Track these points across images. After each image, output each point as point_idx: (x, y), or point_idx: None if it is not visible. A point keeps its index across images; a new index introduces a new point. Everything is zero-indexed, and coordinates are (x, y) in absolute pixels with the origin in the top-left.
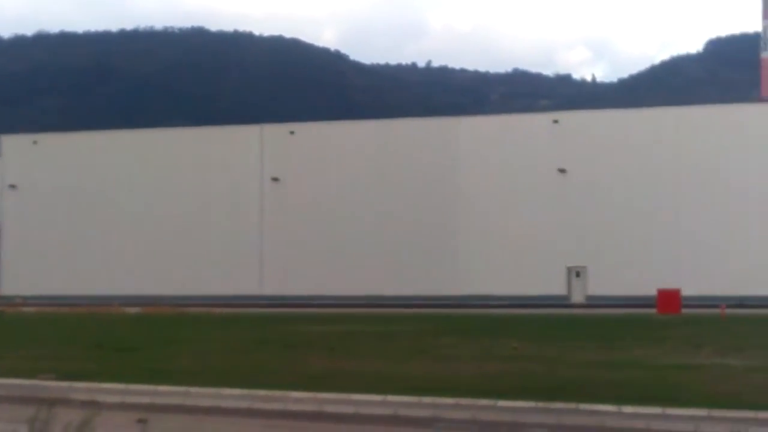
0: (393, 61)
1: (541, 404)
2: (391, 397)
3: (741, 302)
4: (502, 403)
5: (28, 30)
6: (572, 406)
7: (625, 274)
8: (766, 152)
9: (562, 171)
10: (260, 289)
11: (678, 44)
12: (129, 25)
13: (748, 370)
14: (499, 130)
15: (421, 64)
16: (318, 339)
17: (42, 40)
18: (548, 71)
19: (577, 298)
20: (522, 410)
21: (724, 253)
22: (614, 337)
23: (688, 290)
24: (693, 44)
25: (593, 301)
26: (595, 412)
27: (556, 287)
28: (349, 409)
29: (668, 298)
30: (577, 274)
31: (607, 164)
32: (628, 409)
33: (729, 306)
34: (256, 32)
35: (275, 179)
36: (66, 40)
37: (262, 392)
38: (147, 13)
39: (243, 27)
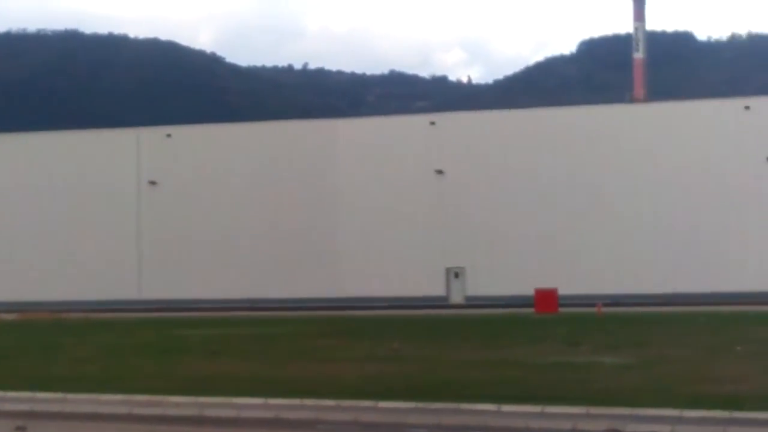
0: (270, 64)
1: (422, 405)
2: (272, 400)
3: (617, 301)
4: (383, 404)
5: None
6: (453, 406)
7: (503, 275)
8: (639, 152)
9: (439, 172)
10: (139, 294)
11: (552, 45)
12: (0, 28)
13: (623, 367)
14: (375, 132)
15: (298, 66)
16: (198, 343)
17: None
18: (425, 73)
19: (456, 298)
20: (403, 411)
21: (599, 252)
22: (493, 337)
23: (564, 289)
24: (566, 45)
25: (472, 302)
26: (475, 411)
27: (435, 288)
28: (230, 413)
29: (545, 298)
30: (456, 275)
31: (483, 165)
32: (508, 407)
33: (605, 304)
34: (132, 35)
35: (152, 183)
36: None
37: (141, 397)
38: (19, 16)
39: (118, 30)
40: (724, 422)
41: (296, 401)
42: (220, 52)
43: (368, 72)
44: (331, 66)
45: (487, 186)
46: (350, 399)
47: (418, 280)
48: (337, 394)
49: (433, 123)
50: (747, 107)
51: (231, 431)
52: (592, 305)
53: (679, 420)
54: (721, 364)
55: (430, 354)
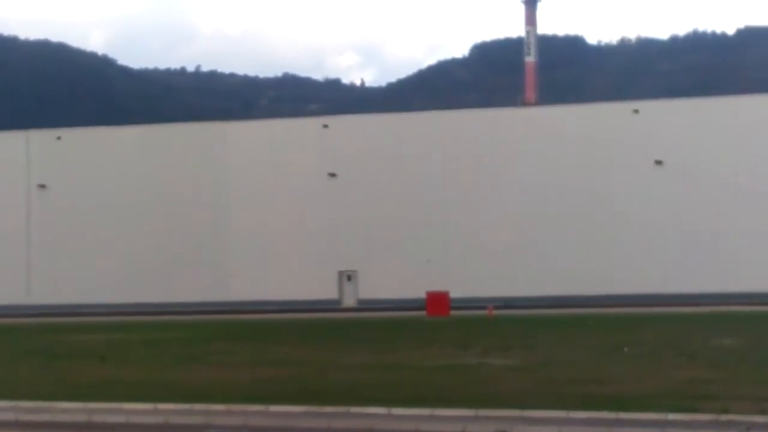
0: (162, 66)
1: (312, 408)
2: (162, 405)
3: (508, 303)
4: (273, 408)
5: None
6: (343, 409)
7: (395, 278)
8: (530, 154)
9: (332, 175)
10: (27, 299)
11: (445, 49)
12: None
13: (513, 369)
14: (268, 135)
15: (191, 68)
16: (87, 348)
17: None
18: (318, 75)
19: (349, 301)
20: (293, 415)
21: (490, 255)
22: (384, 340)
23: (456, 292)
24: (459, 49)
25: (365, 305)
26: (365, 414)
27: (327, 291)
28: (119, 419)
29: (437, 300)
30: (349, 278)
31: (376, 168)
32: (398, 410)
33: (496, 307)
34: (22, 36)
35: (42, 186)
36: None
37: (28, 403)
38: None
39: (7, 31)
40: (609, 423)
41: (186, 406)
42: (111, 55)
43: (261, 75)
44: (224, 68)
45: (380, 188)
46: (240, 403)
47: (311, 284)
48: (228, 398)
49: (325, 126)
50: (636, 111)
51: None
52: (484, 308)
53: (566, 421)
54: (608, 366)
55: (321, 357)
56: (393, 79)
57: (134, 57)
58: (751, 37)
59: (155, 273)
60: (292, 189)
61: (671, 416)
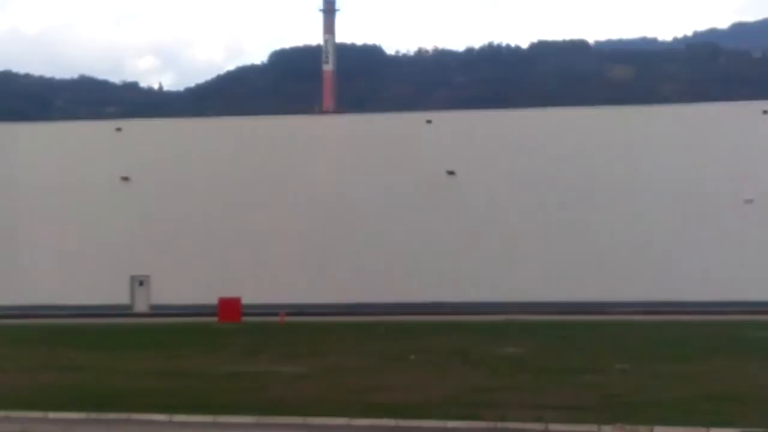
0: None
1: (92, 415)
2: None
3: (300, 310)
4: (52, 414)
5: None
6: (124, 416)
7: (188, 283)
8: (328, 161)
9: (125, 179)
10: None
11: (244, 55)
12: None
13: (300, 376)
14: (60, 138)
15: None
16: None
17: None
18: (115, 78)
19: (141, 307)
20: (72, 421)
21: (282, 262)
22: (173, 346)
23: (249, 299)
24: (258, 55)
25: (157, 310)
26: (146, 421)
27: (119, 296)
28: None
29: (229, 307)
30: (141, 283)
31: (170, 172)
32: (179, 417)
33: (288, 314)
34: None
35: None
36: None
37: None
38: None
39: None
40: (390, 430)
41: None
42: None
43: (57, 76)
44: (19, 69)
45: (174, 193)
46: (19, 410)
47: (103, 289)
48: (7, 404)
49: (119, 129)
50: (429, 121)
51: None
52: (276, 314)
53: (348, 428)
54: (394, 374)
55: (108, 363)
56: (192, 83)
57: None
58: (543, 50)
59: None
60: (85, 192)
61: (450, 424)
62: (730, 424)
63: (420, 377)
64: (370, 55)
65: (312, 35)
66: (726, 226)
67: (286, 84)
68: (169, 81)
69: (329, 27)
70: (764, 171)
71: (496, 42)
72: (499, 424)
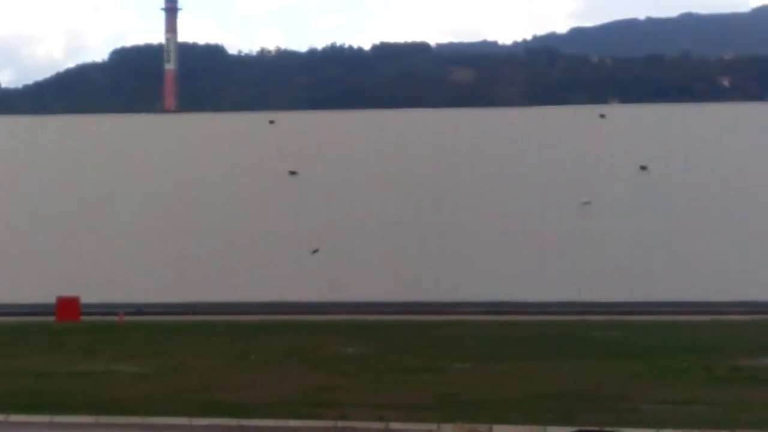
0: None
1: None
2: None
3: (140, 309)
4: None
5: None
6: None
7: (25, 281)
8: (172, 161)
9: None
10: None
11: (85, 53)
12: None
13: (139, 376)
14: None
15: None
16: None
17: None
18: None
19: None
20: None
21: (123, 260)
22: (8, 346)
23: (87, 298)
24: (99, 53)
25: None
26: None
27: None
28: None
29: (67, 305)
30: None
31: (6, 169)
32: (16, 417)
33: (128, 313)
34: None
35: None
36: None
37: None
38: None
39: None
40: (232, 429)
41: None
42: None
43: None
44: None
45: (11, 190)
46: None
47: None
48: None
49: None
50: (272, 121)
51: None
52: (116, 314)
53: (189, 428)
54: (234, 373)
55: None
56: (30, 81)
57: None
58: (385, 52)
59: None
60: None
61: (292, 423)
62: (567, 422)
63: (260, 376)
64: (213, 54)
65: (154, 34)
66: (564, 227)
67: (128, 82)
68: (7, 78)
69: (171, 26)
70: (601, 173)
71: (338, 43)
72: (340, 423)
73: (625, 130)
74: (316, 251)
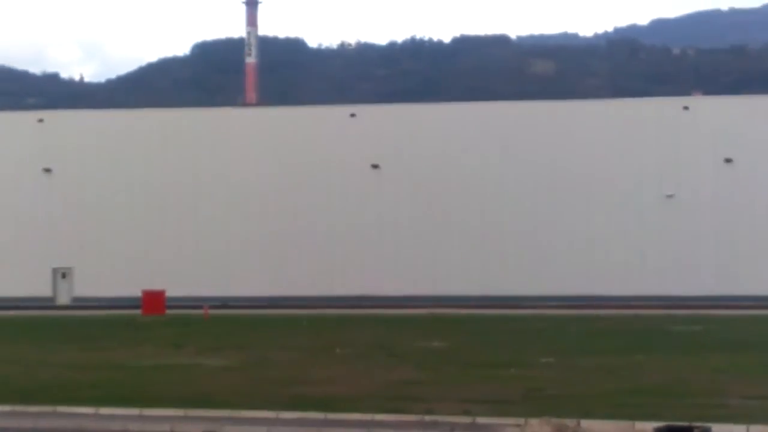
0: None
1: (17, 408)
2: None
3: (224, 303)
4: None
5: None
6: (49, 409)
7: (112, 275)
8: (253, 154)
9: (47, 170)
10: None
11: (166, 47)
12: None
13: (224, 369)
14: None
15: None
16: None
17: None
18: (36, 69)
19: (63, 299)
20: None
21: (205, 255)
22: (97, 339)
23: (173, 291)
24: (180, 47)
25: (80, 303)
26: (72, 414)
27: (41, 289)
28: None
29: (153, 299)
30: (63, 275)
31: (94, 164)
32: (106, 410)
33: (212, 307)
34: None
35: None
36: None
37: None
38: None
39: None
40: (318, 423)
41: None
42: None
43: None
44: None
45: (97, 185)
46: None
47: (24, 280)
48: None
49: (41, 120)
50: (353, 115)
51: None
52: (200, 307)
53: (276, 421)
54: (319, 367)
55: (30, 356)
56: (113, 75)
57: None
58: (465, 45)
59: None
60: (7, 184)
61: (378, 417)
62: (654, 417)
63: (346, 370)
64: (293, 47)
65: (235, 27)
66: (647, 221)
67: (209, 76)
68: (91, 72)
69: (252, 19)
70: (685, 167)
71: (418, 36)
72: (426, 417)
73: (709, 123)
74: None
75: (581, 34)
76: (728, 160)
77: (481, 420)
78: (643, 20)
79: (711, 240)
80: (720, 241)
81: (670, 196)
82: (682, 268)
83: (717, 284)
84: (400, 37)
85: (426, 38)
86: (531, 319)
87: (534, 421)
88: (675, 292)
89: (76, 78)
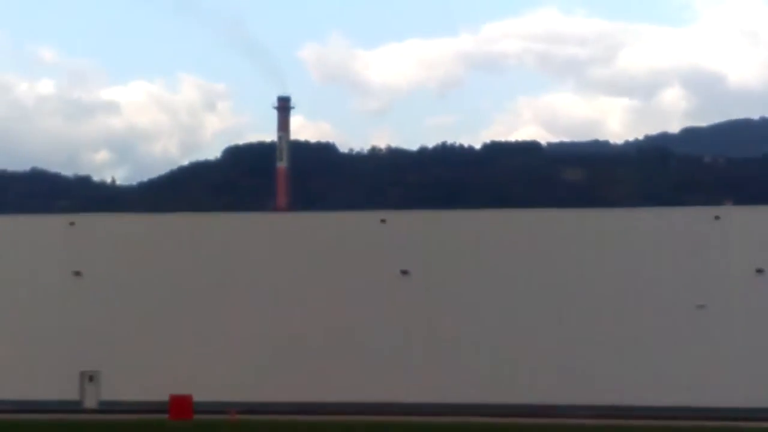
0: None
1: None
2: None
3: (251, 408)
4: None
5: None
6: None
7: (139, 379)
8: (283, 261)
9: (77, 273)
10: None
11: (199, 150)
12: None
13: None
14: (12, 231)
15: None
16: None
17: None
18: (68, 172)
19: (90, 403)
20: None
21: (232, 359)
22: None
23: (200, 396)
24: (212, 151)
25: (107, 407)
26: None
27: (68, 392)
28: None
29: (180, 404)
30: (90, 379)
31: (124, 268)
32: None
33: (239, 412)
34: None
35: None
36: None
37: None
38: None
39: None
40: None
41: None
42: None
43: (10, 168)
44: None
45: (126, 289)
46: None
47: (51, 383)
48: None
49: (72, 223)
50: (383, 221)
51: None
52: (227, 412)
53: None
54: None
55: None
56: (145, 178)
57: None
58: (496, 151)
59: None
60: (36, 286)
61: None
62: None
63: None
64: (324, 152)
65: (266, 132)
66: (678, 330)
67: (240, 180)
68: (123, 175)
69: (283, 124)
70: (716, 276)
71: (449, 142)
72: None
73: (740, 232)
74: None
75: (612, 141)
76: (759, 271)
77: None
78: (674, 128)
79: (742, 351)
80: (752, 352)
81: (701, 307)
82: (714, 379)
83: (748, 396)
84: (431, 143)
85: (457, 144)
86: (565, 429)
87: None
88: (706, 403)
89: (108, 181)
